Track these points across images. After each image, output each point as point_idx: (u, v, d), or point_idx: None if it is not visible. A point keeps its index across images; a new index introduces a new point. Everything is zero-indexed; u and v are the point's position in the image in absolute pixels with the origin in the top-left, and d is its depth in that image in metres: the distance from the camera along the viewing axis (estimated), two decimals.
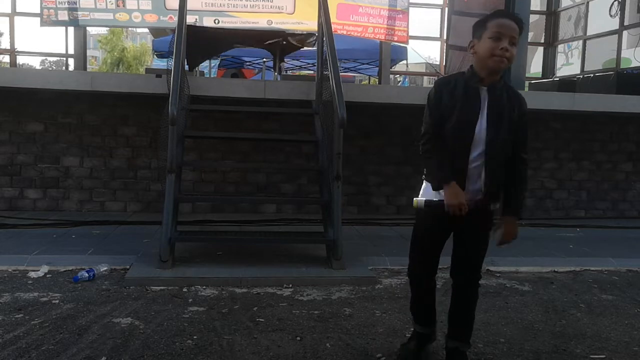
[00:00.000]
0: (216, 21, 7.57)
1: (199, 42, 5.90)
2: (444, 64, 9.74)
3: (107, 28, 24.74)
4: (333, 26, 5.23)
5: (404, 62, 11.42)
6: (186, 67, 5.56)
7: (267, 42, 7.18)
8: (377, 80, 10.97)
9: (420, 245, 2.52)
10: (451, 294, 2.57)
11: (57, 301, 3.29)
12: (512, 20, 2.30)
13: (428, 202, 2.40)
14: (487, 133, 2.32)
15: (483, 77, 2.34)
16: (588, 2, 10.07)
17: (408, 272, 2.61)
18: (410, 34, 8.13)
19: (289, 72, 11.77)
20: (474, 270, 2.49)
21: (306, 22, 7.64)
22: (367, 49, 10.56)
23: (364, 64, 11.96)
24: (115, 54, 29.52)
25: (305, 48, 9.42)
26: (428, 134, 2.41)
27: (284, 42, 7.07)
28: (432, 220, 2.44)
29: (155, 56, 12.90)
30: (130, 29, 27.60)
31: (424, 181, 2.49)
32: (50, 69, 28.75)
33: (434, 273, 2.55)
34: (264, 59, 9.03)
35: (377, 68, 10.78)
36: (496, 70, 2.32)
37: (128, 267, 3.90)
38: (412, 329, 2.71)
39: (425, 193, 2.46)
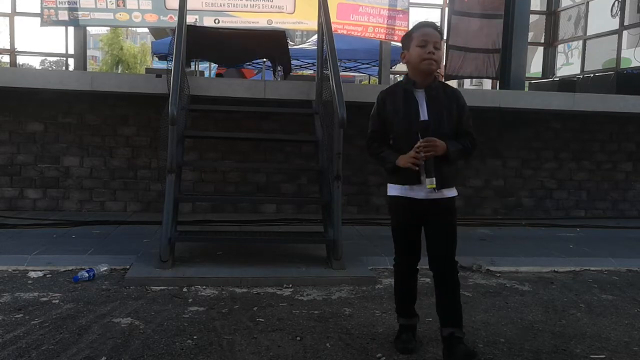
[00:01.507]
0: (216, 21, 7.58)
1: (198, 42, 5.90)
2: (443, 63, 9.75)
3: (109, 28, 24.69)
4: (333, 26, 5.23)
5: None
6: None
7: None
8: (377, 80, 10.99)
9: (395, 234, 2.79)
10: (434, 286, 2.71)
11: (57, 301, 3.29)
12: (435, 30, 2.65)
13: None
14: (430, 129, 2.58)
15: (417, 81, 2.65)
16: (588, 2, 10.08)
17: (394, 262, 2.86)
18: None
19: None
20: (446, 258, 2.65)
21: (306, 21, 7.65)
22: (367, 49, 10.59)
23: (364, 63, 11.98)
24: (115, 52, 29.48)
25: (305, 47, 9.39)
26: (372, 139, 2.78)
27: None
28: (399, 212, 2.73)
29: (156, 58, 12.92)
30: (130, 29, 27.65)
31: (388, 184, 2.74)
32: (50, 69, 28.76)
33: (412, 265, 2.78)
34: (264, 59, 9.04)
35: (377, 68, 10.80)
36: (428, 72, 2.62)
37: (128, 267, 3.90)
38: (399, 326, 2.85)
39: (391, 191, 2.74)
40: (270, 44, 7.17)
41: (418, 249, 2.74)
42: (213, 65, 11.09)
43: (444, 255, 2.64)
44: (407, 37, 2.68)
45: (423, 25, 2.67)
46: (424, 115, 2.60)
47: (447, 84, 2.78)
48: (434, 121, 2.59)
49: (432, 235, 2.67)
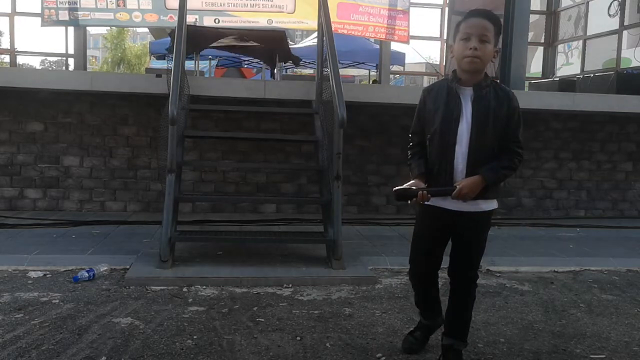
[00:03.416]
0: (216, 20, 7.58)
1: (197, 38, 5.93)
2: (444, 64, 9.75)
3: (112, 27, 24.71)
4: (333, 25, 5.24)
5: (400, 67, 11.56)
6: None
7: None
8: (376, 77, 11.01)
9: (415, 243, 2.62)
10: (449, 292, 2.62)
11: (57, 301, 3.29)
12: (484, 18, 2.33)
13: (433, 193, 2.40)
14: (472, 131, 2.36)
15: (463, 78, 2.39)
16: (588, 2, 10.08)
17: (409, 268, 2.71)
18: (410, 33, 8.16)
19: (289, 72, 11.80)
20: (467, 271, 2.52)
21: (306, 21, 7.66)
22: (366, 49, 10.67)
23: (361, 63, 12.04)
24: (119, 53, 29.54)
25: (305, 45, 9.36)
26: (410, 141, 2.59)
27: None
28: (426, 221, 2.55)
29: (154, 58, 12.94)
30: (131, 29, 27.70)
31: None
32: (50, 69, 28.79)
33: (432, 271, 2.63)
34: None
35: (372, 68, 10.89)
36: (471, 70, 2.35)
37: (128, 267, 3.90)
38: (419, 320, 2.80)
39: None
40: (271, 44, 7.18)
41: (440, 256, 2.59)
42: (213, 65, 11.10)
43: (462, 271, 2.51)
44: (456, 28, 2.39)
45: (472, 15, 2.35)
46: (467, 117, 2.35)
47: (499, 84, 2.46)
48: (478, 123, 2.33)
49: (458, 247, 2.50)
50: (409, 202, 2.39)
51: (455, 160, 2.38)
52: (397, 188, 2.40)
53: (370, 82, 12.66)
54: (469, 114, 2.36)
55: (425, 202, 2.40)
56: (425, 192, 2.34)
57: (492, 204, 2.46)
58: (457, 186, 2.33)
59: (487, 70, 2.44)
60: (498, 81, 2.61)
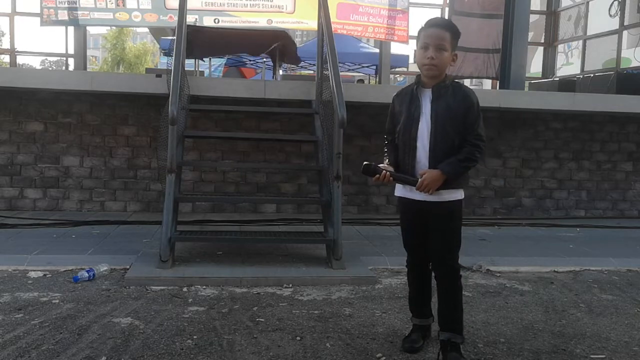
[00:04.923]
0: (216, 20, 7.59)
1: (198, 40, 5.91)
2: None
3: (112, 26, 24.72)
4: (333, 26, 5.24)
5: (404, 69, 11.59)
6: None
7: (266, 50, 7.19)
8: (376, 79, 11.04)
9: (402, 234, 2.80)
10: (436, 290, 2.70)
11: (57, 301, 3.29)
12: (440, 28, 2.54)
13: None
14: (431, 129, 2.56)
15: (425, 81, 2.61)
16: (588, 2, 10.09)
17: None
18: (410, 34, 8.16)
19: (289, 72, 11.81)
20: (445, 261, 2.62)
21: (306, 21, 7.66)
22: (364, 52, 10.71)
23: (364, 66, 12.07)
24: (117, 52, 29.58)
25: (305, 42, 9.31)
26: (386, 140, 2.80)
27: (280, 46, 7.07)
28: (402, 212, 2.77)
29: (162, 54, 13.00)
30: (131, 29, 27.74)
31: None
32: (50, 69, 28.81)
33: (419, 266, 2.78)
34: (264, 59, 9.06)
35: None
36: (430, 76, 2.57)
37: (128, 267, 3.90)
38: (412, 324, 2.86)
39: (395, 189, 2.75)
40: (274, 43, 7.17)
41: (420, 247, 2.71)
42: (213, 66, 11.10)
43: (439, 261, 2.62)
44: (417, 35, 2.59)
45: (428, 25, 2.56)
46: (426, 116, 2.56)
47: (459, 84, 2.67)
48: (436, 121, 2.53)
49: (431, 238, 2.64)
50: (373, 178, 2.61)
51: (417, 154, 2.59)
52: (367, 162, 2.61)
53: (356, 81, 12.70)
54: (428, 113, 2.57)
55: (396, 194, 2.72)
56: (389, 174, 2.57)
57: (456, 194, 2.61)
58: (419, 178, 2.53)
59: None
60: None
